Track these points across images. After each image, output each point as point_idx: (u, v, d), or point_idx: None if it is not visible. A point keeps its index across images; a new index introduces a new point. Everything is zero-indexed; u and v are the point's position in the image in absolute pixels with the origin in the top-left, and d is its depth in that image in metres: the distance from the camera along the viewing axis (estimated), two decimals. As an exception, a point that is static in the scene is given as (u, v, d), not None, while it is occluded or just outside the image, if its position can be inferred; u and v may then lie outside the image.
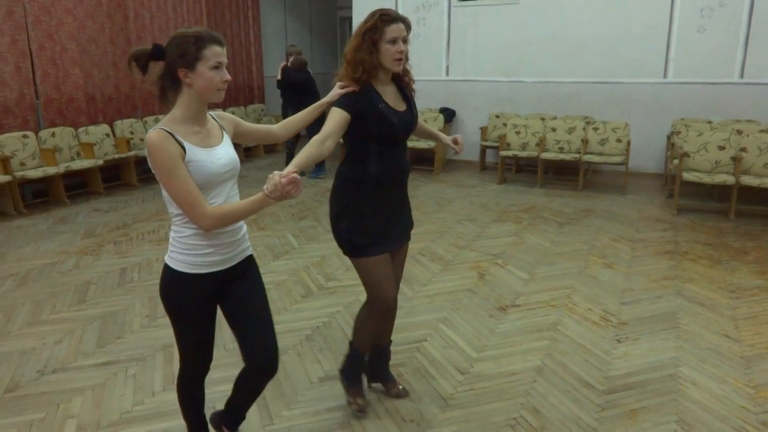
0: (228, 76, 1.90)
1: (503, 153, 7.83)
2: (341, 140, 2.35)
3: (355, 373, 2.74)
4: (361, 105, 2.30)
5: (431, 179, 8.15)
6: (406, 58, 2.36)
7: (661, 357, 3.21)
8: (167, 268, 1.97)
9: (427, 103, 9.27)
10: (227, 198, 1.95)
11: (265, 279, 2.26)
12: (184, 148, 1.81)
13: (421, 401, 2.80)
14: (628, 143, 7.27)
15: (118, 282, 4.33)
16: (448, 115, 8.98)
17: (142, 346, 3.36)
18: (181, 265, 1.93)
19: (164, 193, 1.87)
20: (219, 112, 2.10)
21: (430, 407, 2.75)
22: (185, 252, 1.92)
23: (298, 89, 7.91)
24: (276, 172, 1.68)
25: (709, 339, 3.41)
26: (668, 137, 7.65)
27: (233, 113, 9.68)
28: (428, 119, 8.57)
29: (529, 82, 8.69)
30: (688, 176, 6.22)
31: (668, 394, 2.84)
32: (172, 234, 1.96)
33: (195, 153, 1.84)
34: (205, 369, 2.18)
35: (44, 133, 6.72)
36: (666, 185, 7.33)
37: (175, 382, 2.22)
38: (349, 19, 10.11)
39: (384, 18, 2.27)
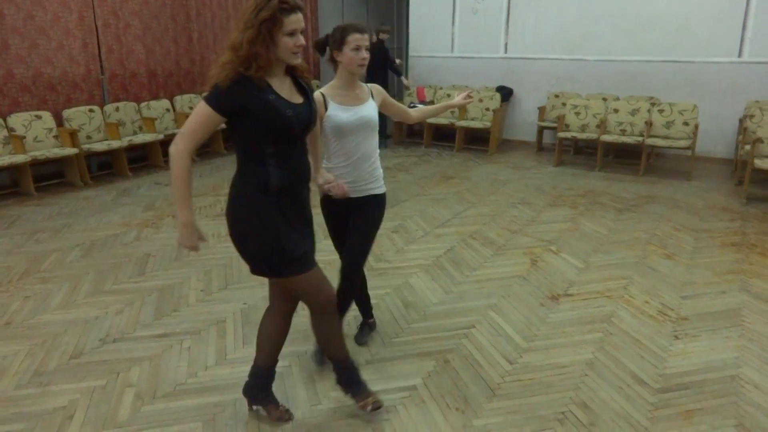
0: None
1: (561, 134, 7.59)
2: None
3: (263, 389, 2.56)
4: (241, 99, 2.00)
5: (486, 160, 8.00)
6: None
7: (722, 356, 3.06)
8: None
9: (483, 81, 9.09)
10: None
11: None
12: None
13: (467, 389, 2.78)
14: (696, 126, 6.90)
15: (175, 256, 4.47)
16: (506, 93, 8.77)
17: (196, 319, 3.46)
18: None
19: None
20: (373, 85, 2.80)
21: (475, 396, 2.73)
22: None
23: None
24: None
25: (775, 339, 3.24)
26: (740, 121, 7.22)
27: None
28: (485, 98, 8.39)
29: (591, 60, 8.35)
30: (760, 163, 5.86)
31: (727, 396, 2.72)
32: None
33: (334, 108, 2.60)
34: None
35: (109, 108, 6.97)
36: (736, 172, 6.94)
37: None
38: (407, -6, 9.93)
39: (284, 7, 1.99)
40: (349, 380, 2.52)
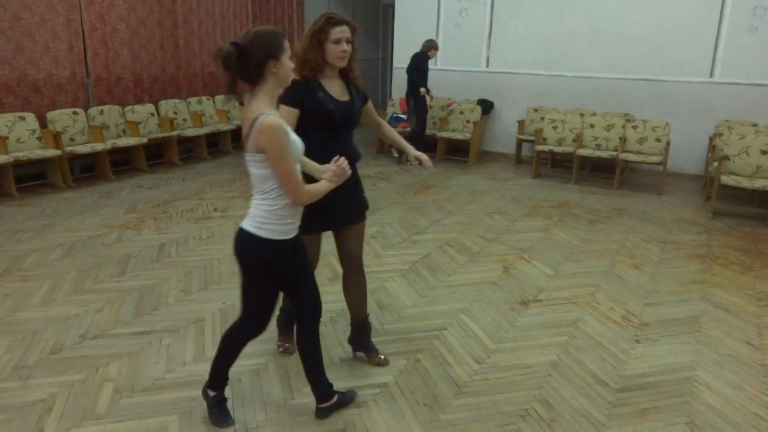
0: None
1: (539, 147, 7.79)
2: None
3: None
4: (301, 94, 2.56)
5: (465, 170, 8.17)
6: (353, 58, 2.66)
7: (679, 360, 3.22)
8: (254, 236, 2.24)
9: (465, 94, 9.28)
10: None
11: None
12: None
13: (436, 386, 2.90)
14: (668, 143, 7.14)
15: (156, 257, 4.54)
16: (486, 106, 8.96)
17: (176, 318, 3.54)
18: (271, 233, 2.24)
19: (256, 171, 2.18)
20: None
21: (444, 393, 2.85)
22: (277, 222, 2.24)
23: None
24: (330, 165, 2.31)
25: (730, 345, 3.40)
26: (710, 139, 7.49)
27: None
28: (465, 110, 8.58)
29: (570, 77, 8.59)
30: (726, 180, 6.10)
31: (681, 396, 2.87)
32: (263, 207, 2.23)
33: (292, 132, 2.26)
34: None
35: (93, 111, 7.02)
36: (705, 187, 7.19)
37: (235, 336, 2.51)
38: (392, 7, 10.13)
39: (330, 21, 2.54)
40: (361, 340, 3.10)
